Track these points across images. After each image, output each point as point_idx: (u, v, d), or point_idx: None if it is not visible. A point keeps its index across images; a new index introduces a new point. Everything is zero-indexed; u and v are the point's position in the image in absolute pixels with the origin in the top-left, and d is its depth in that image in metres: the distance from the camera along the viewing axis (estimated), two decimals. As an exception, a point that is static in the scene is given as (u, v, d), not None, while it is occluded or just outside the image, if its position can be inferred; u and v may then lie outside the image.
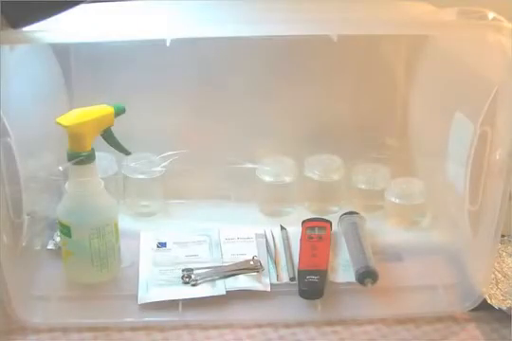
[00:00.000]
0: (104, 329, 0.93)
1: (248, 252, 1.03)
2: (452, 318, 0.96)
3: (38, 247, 1.03)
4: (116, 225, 0.98)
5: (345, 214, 1.09)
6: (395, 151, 1.18)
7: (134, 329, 0.93)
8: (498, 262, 1.03)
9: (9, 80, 0.88)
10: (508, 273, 1.01)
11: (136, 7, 0.99)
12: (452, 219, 1.04)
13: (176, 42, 0.87)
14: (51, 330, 0.93)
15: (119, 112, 0.95)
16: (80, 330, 0.93)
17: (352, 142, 1.17)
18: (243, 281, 0.98)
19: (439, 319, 0.95)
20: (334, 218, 1.09)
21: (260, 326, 0.94)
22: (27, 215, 0.96)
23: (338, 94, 1.17)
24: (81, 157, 0.92)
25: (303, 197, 1.15)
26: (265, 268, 1.01)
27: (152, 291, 0.97)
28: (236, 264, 1.01)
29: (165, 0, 1.01)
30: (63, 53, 1.09)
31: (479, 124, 0.91)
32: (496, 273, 1.01)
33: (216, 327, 0.94)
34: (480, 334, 0.93)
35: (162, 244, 1.05)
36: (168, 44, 0.88)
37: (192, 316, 0.94)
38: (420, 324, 0.94)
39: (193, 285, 0.98)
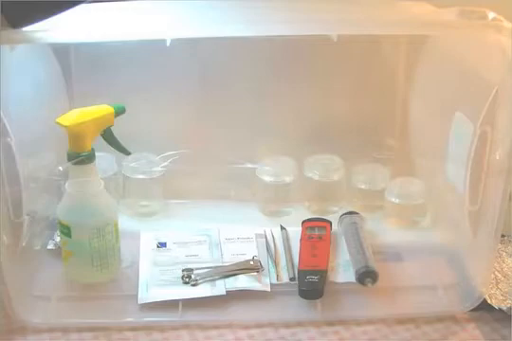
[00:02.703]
0: (104, 329, 0.93)
1: (248, 252, 1.03)
2: (452, 318, 0.96)
3: (38, 247, 1.03)
4: (116, 225, 0.98)
5: (345, 214, 1.09)
6: (395, 151, 1.18)
7: (134, 329, 0.93)
8: (498, 262, 1.03)
9: (9, 81, 0.88)
10: (508, 273, 1.01)
11: (136, 7, 0.99)
12: (452, 219, 1.04)
13: (176, 42, 0.87)
14: (51, 330, 0.93)
15: (119, 112, 0.95)
16: (80, 330, 0.93)
17: (352, 142, 1.17)
18: (243, 281, 0.98)
19: (439, 319, 0.95)
20: (334, 218, 1.09)
21: (260, 326, 0.94)
22: (27, 215, 0.96)
23: (338, 94, 1.17)
24: (81, 157, 0.92)
25: (303, 197, 1.15)
26: (264, 268, 1.01)
27: (152, 291, 0.97)
28: (236, 264, 1.01)
29: (165, 0, 1.01)
30: (63, 53, 1.09)
31: (479, 124, 0.91)
32: (496, 273, 1.01)
33: (216, 327, 0.94)
34: (480, 334, 0.93)
35: (162, 244, 1.05)
36: (168, 44, 0.88)
37: (192, 316, 0.94)
38: (420, 324, 0.94)
39: (193, 285, 0.98)
